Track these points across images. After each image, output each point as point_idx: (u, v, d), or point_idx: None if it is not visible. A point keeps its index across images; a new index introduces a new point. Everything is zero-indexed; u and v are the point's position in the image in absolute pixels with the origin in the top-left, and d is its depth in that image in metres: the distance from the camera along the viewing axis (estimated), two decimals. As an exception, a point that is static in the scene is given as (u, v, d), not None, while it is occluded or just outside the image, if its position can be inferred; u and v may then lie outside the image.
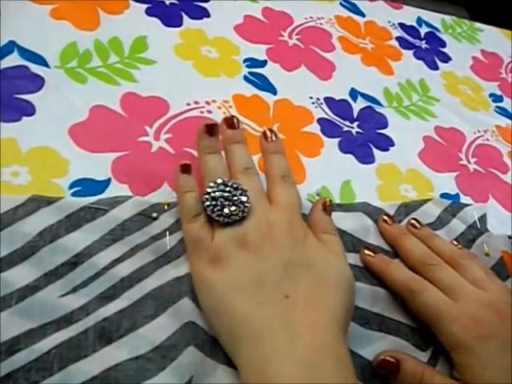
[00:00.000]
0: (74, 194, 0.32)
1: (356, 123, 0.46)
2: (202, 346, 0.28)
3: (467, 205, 0.42)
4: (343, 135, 0.44)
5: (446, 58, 0.59)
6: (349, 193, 0.40)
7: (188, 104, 0.40)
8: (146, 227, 0.32)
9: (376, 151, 0.44)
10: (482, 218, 0.42)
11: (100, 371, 0.26)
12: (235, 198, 0.31)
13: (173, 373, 0.27)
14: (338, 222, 0.37)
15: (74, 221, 0.30)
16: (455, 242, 0.38)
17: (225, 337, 0.27)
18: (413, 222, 0.38)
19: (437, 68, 0.57)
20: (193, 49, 0.45)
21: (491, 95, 0.56)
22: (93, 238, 0.30)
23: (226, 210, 0.30)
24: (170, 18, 0.46)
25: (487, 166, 0.48)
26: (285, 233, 0.30)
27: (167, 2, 0.48)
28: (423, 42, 0.59)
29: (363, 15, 0.59)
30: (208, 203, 0.31)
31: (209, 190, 0.31)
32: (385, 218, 0.38)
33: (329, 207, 0.34)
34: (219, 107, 0.41)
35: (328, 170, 0.41)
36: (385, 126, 0.47)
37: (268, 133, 0.36)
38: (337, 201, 0.39)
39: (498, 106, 0.55)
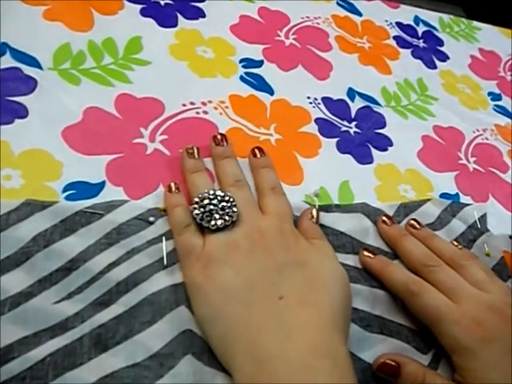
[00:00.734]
0: (67, 198, 0.31)
1: (354, 123, 0.45)
2: (200, 355, 0.27)
3: (467, 204, 0.42)
4: (341, 135, 0.44)
5: (444, 57, 0.58)
6: (347, 193, 0.39)
7: (184, 105, 0.40)
8: (142, 231, 0.31)
9: (374, 151, 0.43)
10: (483, 218, 0.41)
11: (96, 379, 0.26)
12: (223, 204, 0.31)
13: (171, 381, 0.26)
14: (336, 223, 0.36)
15: (69, 225, 0.30)
16: (455, 243, 0.38)
17: (218, 345, 0.27)
18: (412, 222, 0.38)
19: (435, 67, 0.56)
20: (188, 49, 0.44)
21: (490, 94, 0.56)
22: (88, 242, 0.30)
23: (215, 216, 0.31)
24: (165, 19, 0.46)
25: (487, 165, 0.47)
26: (276, 238, 0.31)
27: (162, 3, 0.47)
28: (421, 40, 0.59)
29: (360, 14, 0.58)
30: (197, 212, 0.31)
31: (197, 200, 0.32)
32: (384, 218, 0.37)
33: (316, 216, 0.35)
34: (215, 108, 0.41)
35: (326, 170, 0.40)
36: (383, 125, 0.46)
37: (256, 151, 0.37)
38: (335, 201, 0.38)
39: (496, 105, 0.55)
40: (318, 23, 0.54)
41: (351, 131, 0.44)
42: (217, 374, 0.27)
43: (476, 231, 0.40)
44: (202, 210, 0.31)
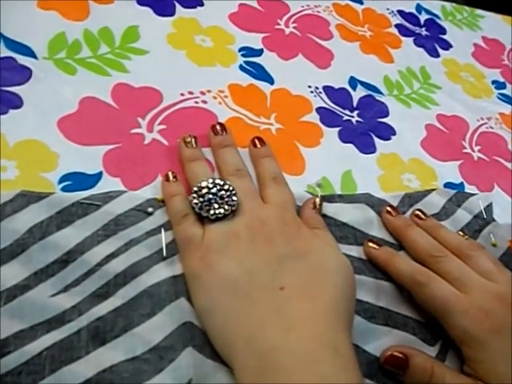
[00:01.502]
0: (64, 189, 0.30)
1: (356, 112, 0.44)
2: (201, 348, 0.27)
3: (472, 194, 0.41)
4: (343, 124, 0.43)
5: (447, 45, 0.57)
6: (350, 183, 0.39)
7: (182, 94, 0.39)
8: (141, 222, 0.31)
9: (377, 140, 0.43)
10: (488, 208, 0.40)
11: (94, 373, 0.25)
12: (222, 192, 0.30)
13: (171, 375, 0.26)
14: (339, 214, 0.35)
15: (66, 217, 0.29)
16: (461, 233, 0.37)
17: (217, 337, 0.26)
18: (417, 212, 0.37)
19: (438, 55, 0.55)
20: (186, 38, 0.43)
21: (494, 82, 0.55)
22: (85, 233, 0.29)
23: (215, 205, 0.30)
24: (162, 7, 0.45)
25: (491, 154, 0.46)
26: (277, 228, 0.30)
27: (159, -9, 0.46)
28: (423, 29, 0.58)
29: (361, 2, 0.57)
30: (196, 201, 0.30)
31: (195, 189, 0.31)
32: (388, 209, 0.37)
33: (319, 205, 0.34)
34: (214, 97, 0.40)
35: (328, 160, 0.39)
36: (386, 114, 0.45)
37: (256, 141, 0.37)
38: (338, 192, 0.37)
39: (500, 93, 0.54)
40: (318, 11, 0.53)
41: (353, 120, 0.44)
42: (219, 367, 0.26)
43: (482, 221, 0.39)
44: (200, 199, 0.30)
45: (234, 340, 0.25)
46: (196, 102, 0.39)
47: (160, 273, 0.29)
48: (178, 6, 0.46)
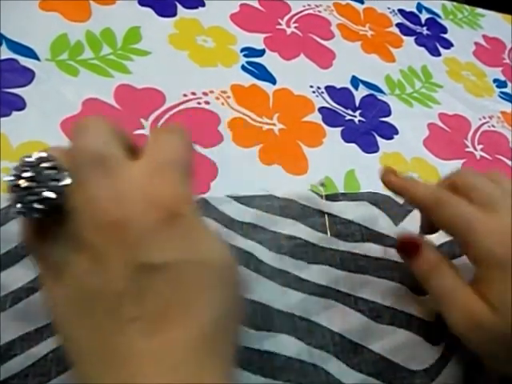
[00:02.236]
0: (68, 191, 0.30)
1: (358, 112, 0.44)
2: None
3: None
4: (345, 124, 0.43)
5: (448, 44, 0.57)
6: (353, 182, 0.38)
7: (185, 95, 0.39)
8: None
9: (380, 140, 0.43)
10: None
11: (100, 375, 0.25)
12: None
13: None
14: (343, 212, 0.35)
15: (70, 218, 0.29)
16: None
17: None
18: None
19: (439, 54, 0.55)
20: (188, 39, 0.43)
21: (495, 80, 0.55)
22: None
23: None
24: (164, 8, 0.45)
25: (494, 152, 0.46)
26: (139, 217, 0.18)
27: (160, -8, 0.46)
28: (424, 28, 0.58)
29: (362, 2, 0.57)
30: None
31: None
32: (388, 170, 0.32)
33: None
34: (217, 98, 0.40)
35: (331, 159, 0.39)
36: (388, 113, 0.45)
37: None
38: (341, 191, 0.37)
39: (502, 92, 0.54)
40: (319, 11, 0.53)
41: (356, 120, 0.44)
42: None
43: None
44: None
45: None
46: (199, 103, 0.39)
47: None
48: (179, 7, 0.46)
